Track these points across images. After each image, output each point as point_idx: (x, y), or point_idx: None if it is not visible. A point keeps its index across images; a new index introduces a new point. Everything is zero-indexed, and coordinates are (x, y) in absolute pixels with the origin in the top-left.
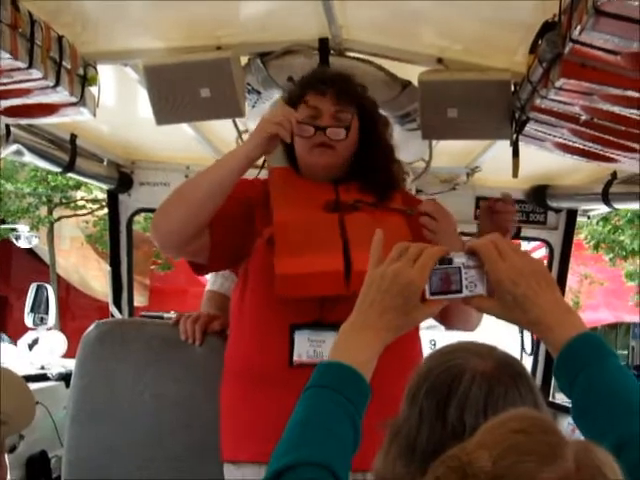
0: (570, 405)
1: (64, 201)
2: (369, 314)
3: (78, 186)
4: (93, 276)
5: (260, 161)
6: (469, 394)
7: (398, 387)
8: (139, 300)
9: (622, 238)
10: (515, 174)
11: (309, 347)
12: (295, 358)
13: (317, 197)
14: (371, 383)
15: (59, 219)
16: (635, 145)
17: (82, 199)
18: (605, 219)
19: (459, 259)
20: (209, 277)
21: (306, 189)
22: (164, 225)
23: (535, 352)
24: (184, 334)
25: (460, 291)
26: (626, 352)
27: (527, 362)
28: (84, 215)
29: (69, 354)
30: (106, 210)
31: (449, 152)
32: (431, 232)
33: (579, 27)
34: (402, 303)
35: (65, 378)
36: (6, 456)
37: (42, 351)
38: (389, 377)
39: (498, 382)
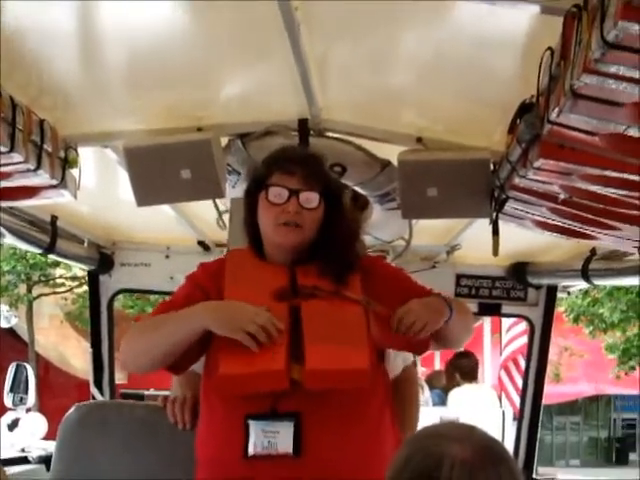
0: None
1: (43, 279)
2: None
3: (57, 264)
4: (72, 354)
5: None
6: None
7: (378, 473)
8: (118, 377)
9: (601, 311)
10: (495, 252)
11: (264, 438)
12: (250, 450)
13: (270, 283)
14: (327, 469)
15: (38, 297)
16: (614, 223)
17: (61, 277)
18: (585, 292)
19: None
20: None
21: (259, 274)
22: (128, 355)
23: (518, 427)
24: (173, 418)
25: None
26: (607, 425)
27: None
28: (63, 293)
29: (49, 435)
30: (85, 287)
31: (429, 230)
32: (420, 331)
33: (557, 109)
34: None
35: (45, 461)
36: None
37: (23, 433)
38: (365, 464)
39: (479, 469)
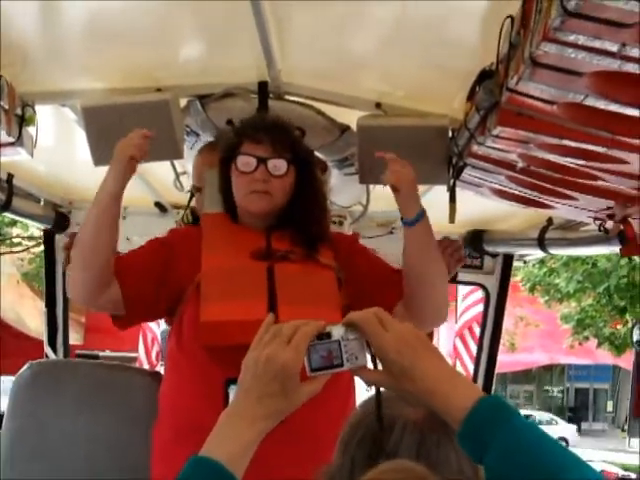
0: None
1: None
2: (245, 402)
3: (14, 223)
4: (29, 314)
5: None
6: (401, 443)
7: (333, 433)
8: (75, 338)
9: (557, 281)
10: (452, 219)
11: None
12: None
13: (247, 244)
14: (304, 428)
15: None
16: (570, 192)
17: (18, 236)
18: (541, 262)
19: (338, 332)
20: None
21: (237, 236)
22: (71, 280)
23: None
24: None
25: (342, 365)
26: (561, 394)
27: None
28: (20, 252)
29: None
30: (42, 247)
31: (386, 196)
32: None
33: (516, 77)
34: (279, 388)
35: None
36: None
37: None
38: (323, 423)
39: (430, 430)
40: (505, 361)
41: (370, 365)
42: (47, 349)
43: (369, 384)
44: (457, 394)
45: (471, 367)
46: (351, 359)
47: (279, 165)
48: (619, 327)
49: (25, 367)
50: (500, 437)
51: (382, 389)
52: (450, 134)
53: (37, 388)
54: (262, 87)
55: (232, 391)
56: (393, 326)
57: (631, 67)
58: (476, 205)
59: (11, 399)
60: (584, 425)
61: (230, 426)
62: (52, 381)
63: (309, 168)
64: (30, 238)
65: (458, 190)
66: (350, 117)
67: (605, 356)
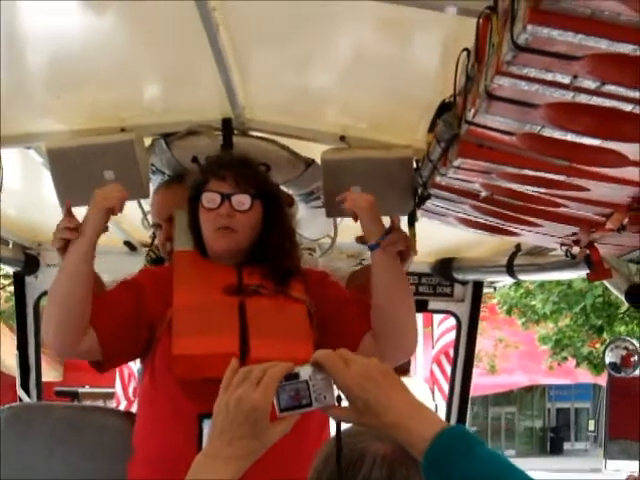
0: None
1: None
2: (219, 444)
3: None
4: (6, 352)
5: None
6: (370, 477)
7: (307, 469)
8: (53, 375)
9: (534, 302)
10: (413, 249)
11: None
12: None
13: (218, 280)
14: (278, 466)
15: None
16: (534, 219)
17: None
18: (517, 284)
19: (305, 373)
20: None
21: (208, 272)
22: (48, 330)
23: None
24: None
25: (310, 404)
26: (541, 415)
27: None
28: None
29: None
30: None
31: (355, 228)
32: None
33: (473, 109)
34: (249, 429)
35: None
36: None
37: None
38: (296, 460)
39: (400, 464)
40: (486, 383)
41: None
42: (20, 392)
43: (338, 420)
44: (420, 426)
45: None
46: (319, 398)
47: (243, 200)
48: (597, 346)
49: None
50: (461, 466)
51: (346, 425)
52: (415, 164)
53: (9, 432)
54: (226, 124)
55: (206, 426)
56: (356, 362)
57: (584, 98)
58: (444, 234)
59: None
60: (566, 445)
61: (206, 467)
62: (25, 425)
63: (275, 202)
64: (5, 277)
65: (425, 219)
66: (314, 151)
67: (585, 375)
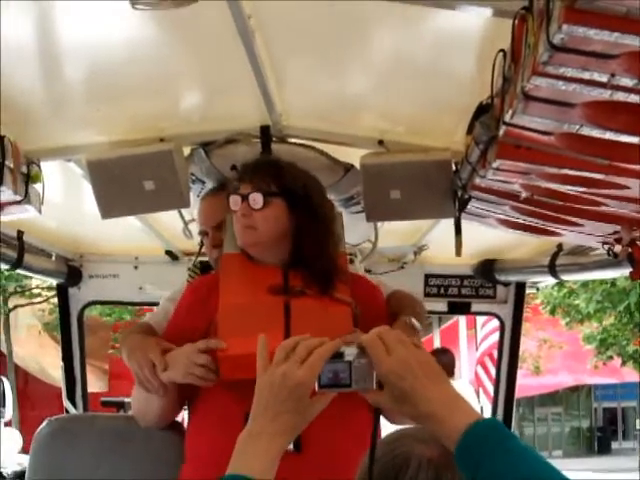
0: None
1: (19, 289)
2: (262, 420)
3: None
4: (51, 364)
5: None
6: None
7: (354, 453)
8: (99, 385)
9: (577, 302)
10: (458, 252)
11: None
12: None
13: (264, 280)
14: (326, 464)
15: (14, 308)
16: (575, 219)
17: (37, 287)
18: (560, 284)
19: (350, 353)
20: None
21: (254, 273)
22: (145, 424)
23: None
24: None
25: (349, 385)
26: (588, 415)
27: None
28: (40, 303)
29: (27, 447)
30: None
31: (395, 232)
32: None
33: (510, 111)
34: (293, 405)
35: (21, 476)
36: None
37: None
38: (343, 443)
39: (445, 468)
40: (531, 384)
41: None
42: (66, 403)
43: (374, 405)
44: (455, 416)
45: None
46: (359, 381)
47: (256, 198)
48: None
49: (44, 424)
50: (492, 457)
51: (390, 428)
52: (453, 167)
53: (56, 444)
54: (264, 131)
55: None
56: (396, 350)
57: (622, 96)
58: (486, 235)
59: (31, 456)
60: (614, 444)
61: (252, 444)
62: (70, 436)
63: (300, 198)
64: (49, 289)
65: (466, 222)
66: (352, 156)
67: (631, 374)
